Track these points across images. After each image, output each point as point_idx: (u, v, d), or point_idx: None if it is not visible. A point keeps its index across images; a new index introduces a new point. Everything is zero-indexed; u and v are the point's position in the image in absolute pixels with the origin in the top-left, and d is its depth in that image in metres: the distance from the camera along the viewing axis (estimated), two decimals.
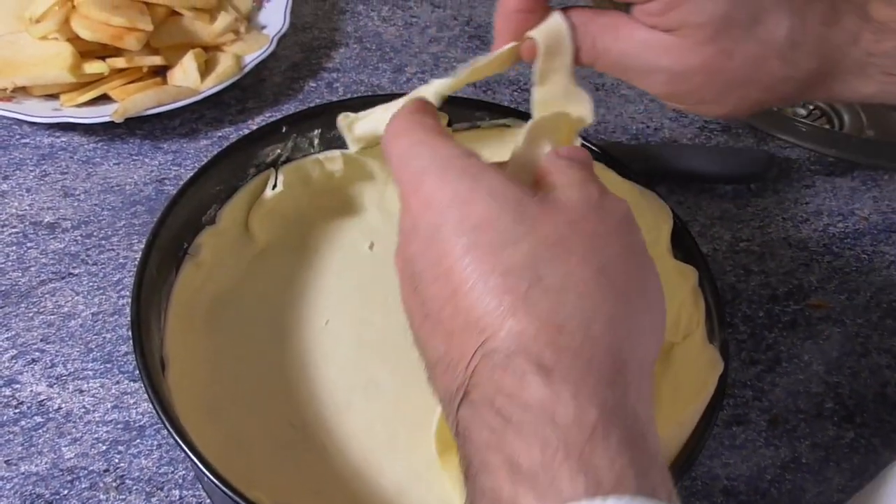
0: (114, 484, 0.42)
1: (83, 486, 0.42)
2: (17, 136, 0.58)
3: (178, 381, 0.40)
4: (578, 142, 0.37)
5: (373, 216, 0.51)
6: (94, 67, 0.56)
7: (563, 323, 0.26)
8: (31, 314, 0.49)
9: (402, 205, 0.30)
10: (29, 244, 0.52)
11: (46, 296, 0.50)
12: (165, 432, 0.36)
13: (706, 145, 0.61)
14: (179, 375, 0.40)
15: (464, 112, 0.49)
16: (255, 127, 0.52)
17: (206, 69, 0.60)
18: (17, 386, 0.46)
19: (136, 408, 0.45)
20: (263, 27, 0.64)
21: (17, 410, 0.45)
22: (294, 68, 0.65)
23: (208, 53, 0.61)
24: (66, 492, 0.42)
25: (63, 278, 0.51)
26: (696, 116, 0.64)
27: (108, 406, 0.45)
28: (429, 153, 0.30)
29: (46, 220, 0.54)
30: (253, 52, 0.61)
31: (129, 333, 0.38)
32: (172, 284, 0.43)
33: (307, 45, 0.67)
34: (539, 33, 0.36)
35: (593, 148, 0.47)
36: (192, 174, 0.45)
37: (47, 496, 0.42)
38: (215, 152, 0.45)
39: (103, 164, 0.57)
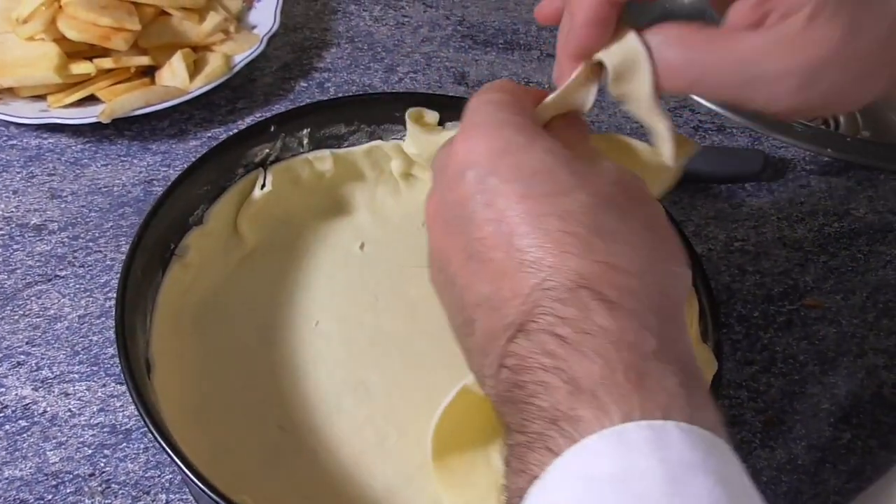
0: (99, 488, 0.42)
1: (68, 490, 0.41)
2: (4, 138, 0.58)
3: (165, 384, 0.39)
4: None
5: (363, 217, 0.50)
6: (81, 68, 0.56)
7: (623, 266, 0.27)
8: (16, 317, 0.48)
9: (448, 153, 0.31)
10: (15, 246, 0.52)
11: (32, 298, 0.49)
12: (152, 436, 0.35)
13: (701, 145, 0.61)
14: (166, 378, 0.40)
15: (456, 110, 0.49)
16: (245, 128, 0.51)
17: (195, 69, 0.59)
18: (2, 390, 0.45)
19: (123, 411, 0.44)
20: (254, 27, 0.63)
21: (1, 414, 0.44)
22: (285, 68, 0.64)
23: (197, 53, 0.60)
24: (50, 497, 0.41)
25: (49, 280, 0.50)
26: (689, 116, 0.63)
27: (94, 409, 0.44)
28: (494, 111, 0.31)
29: (33, 221, 0.53)
30: (243, 52, 0.60)
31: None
32: (159, 286, 0.43)
33: (298, 45, 0.66)
34: (608, 56, 0.32)
35: None
36: (178, 174, 0.44)
37: (31, 501, 0.41)
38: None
39: (91, 165, 0.56)
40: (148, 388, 0.37)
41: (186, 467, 0.34)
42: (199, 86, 0.58)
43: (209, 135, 0.59)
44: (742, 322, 0.51)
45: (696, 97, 0.59)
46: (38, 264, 0.51)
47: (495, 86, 0.33)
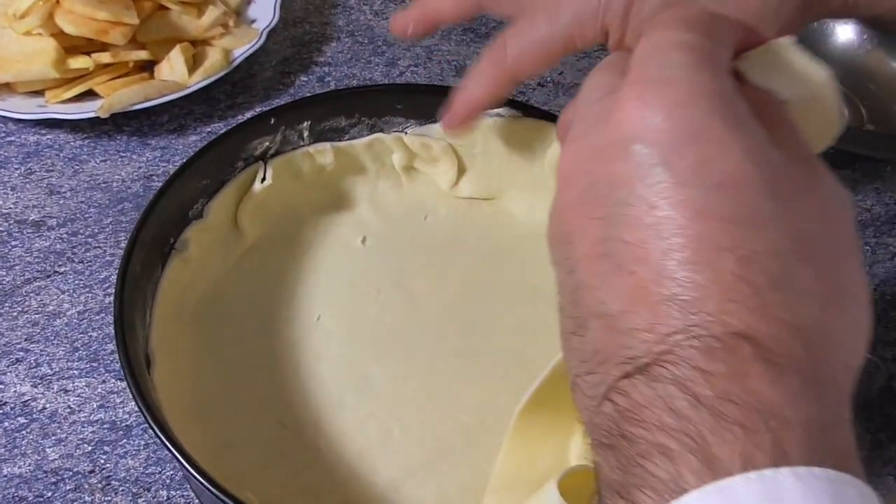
0: (99, 485, 0.41)
1: (68, 487, 0.41)
2: (2, 134, 0.57)
3: (165, 380, 0.39)
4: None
5: (365, 210, 0.50)
6: (78, 63, 0.55)
7: (802, 324, 0.21)
8: (15, 313, 0.48)
9: (615, 103, 0.24)
10: (13, 243, 0.51)
11: (31, 295, 0.49)
12: (152, 432, 0.35)
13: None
14: (166, 373, 0.39)
15: None
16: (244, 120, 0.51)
17: (193, 64, 0.58)
18: (1, 387, 0.45)
19: (123, 407, 0.44)
20: (253, 21, 0.63)
21: (0, 412, 0.44)
22: (285, 63, 0.64)
23: (196, 48, 0.60)
24: (49, 494, 0.41)
25: (48, 277, 0.49)
26: None
27: (94, 406, 0.44)
28: (689, 65, 0.23)
29: (32, 218, 0.53)
30: (242, 47, 0.60)
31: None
32: (158, 281, 0.42)
33: (298, 39, 0.66)
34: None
35: None
36: (177, 167, 0.43)
37: (31, 499, 0.41)
38: None
39: (90, 161, 0.56)
40: (148, 383, 0.37)
41: (188, 463, 0.34)
42: (198, 80, 0.57)
43: (209, 130, 0.58)
44: None
45: None
46: (36, 260, 0.50)
47: (691, 16, 0.24)
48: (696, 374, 0.21)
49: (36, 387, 0.45)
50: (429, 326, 0.45)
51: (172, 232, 0.43)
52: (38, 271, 0.50)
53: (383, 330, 0.45)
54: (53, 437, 0.43)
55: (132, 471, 0.42)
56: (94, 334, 0.47)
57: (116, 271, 0.39)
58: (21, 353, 0.46)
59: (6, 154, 0.56)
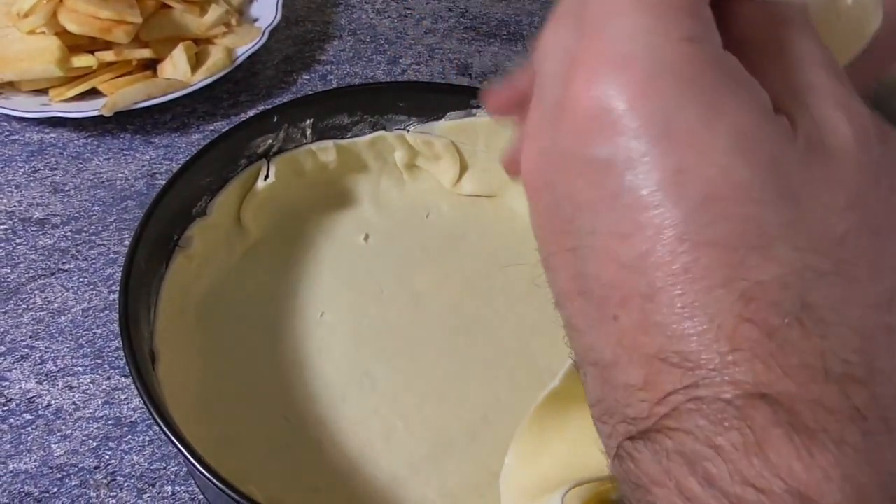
0: (104, 481, 0.41)
1: (73, 483, 0.41)
2: (6, 133, 0.57)
3: (170, 376, 0.39)
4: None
5: (367, 208, 0.50)
6: (82, 61, 0.55)
7: (835, 375, 0.16)
8: (20, 311, 0.48)
9: (571, 75, 0.19)
10: (18, 240, 0.51)
11: (36, 292, 0.49)
12: (157, 427, 0.35)
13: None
14: (170, 369, 0.40)
15: (460, 99, 0.48)
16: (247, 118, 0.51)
17: (196, 62, 0.59)
18: (6, 383, 0.45)
19: (128, 403, 0.44)
20: (255, 20, 0.63)
21: (5, 408, 0.44)
22: (287, 61, 0.64)
23: (199, 46, 0.60)
24: (55, 490, 0.41)
25: (53, 274, 0.50)
26: None
27: (99, 402, 0.44)
28: (645, 27, 0.18)
29: (36, 216, 0.53)
30: (244, 45, 0.60)
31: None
32: (163, 277, 0.42)
33: (300, 37, 0.66)
34: None
35: None
36: (180, 165, 0.44)
37: (36, 494, 0.41)
38: None
39: (94, 159, 0.56)
40: (153, 379, 0.37)
41: (193, 457, 0.34)
42: (201, 79, 0.57)
43: (212, 128, 0.58)
44: None
45: None
46: (41, 258, 0.50)
47: None
48: (705, 450, 0.17)
49: (41, 383, 0.45)
50: (431, 323, 0.45)
51: (176, 229, 0.44)
52: (42, 269, 0.50)
53: (386, 327, 0.45)
54: (59, 434, 0.43)
55: (137, 466, 0.42)
56: (99, 331, 0.47)
57: (120, 269, 0.39)
58: (26, 350, 0.46)
59: (10, 152, 0.56)
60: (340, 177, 0.50)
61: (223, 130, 0.57)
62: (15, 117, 0.57)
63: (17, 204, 0.53)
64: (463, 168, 0.50)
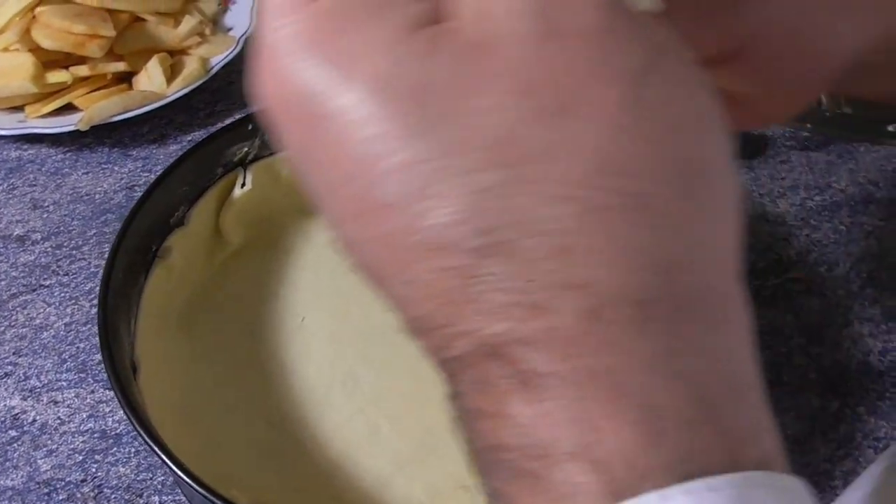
0: (92, 494, 0.42)
1: (61, 497, 0.41)
2: None
3: (152, 385, 0.39)
4: None
5: None
6: (57, 77, 0.56)
7: (528, 302, 0.16)
8: (2, 328, 0.48)
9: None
10: None
11: (18, 309, 0.49)
12: (140, 438, 0.35)
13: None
14: (153, 379, 0.40)
15: None
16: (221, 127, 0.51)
17: (172, 73, 0.59)
18: None
19: (113, 416, 0.44)
20: (230, 29, 0.63)
21: None
22: None
23: (174, 58, 0.60)
24: None
25: (34, 290, 0.50)
26: None
27: (84, 416, 0.44)
28: None
29: (16, 233, 0.53)
30: (219, 55, 0.60)
31: None
32: (143, 289, 0.43)
33: None
34: None
35: None
36: (157, 176, 0.44)
37: None
38: None
39: (72, 174, 0.56)
40: (134, 390, 0.37)
41: (176, 466, 0.34)
42: (177, 90, 0.58)
43: (189, 138, 0.59)
44: None
45: None
46: (22, 275, 0.51)
47: None
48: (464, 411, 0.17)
49: (26, 399, 0.45)
50: None
51: (155, 240, 0.44)
52: (23, 285, 0.50)
53: (368, 328, 0.45)
54: (45, 449, 0.43)
55: (124, 478, 0.42)
56: (82, 345, 0.47)
57: None
58: (10, 367, 0.46)
59: None
60: None
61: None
62: None
63: None
64: None
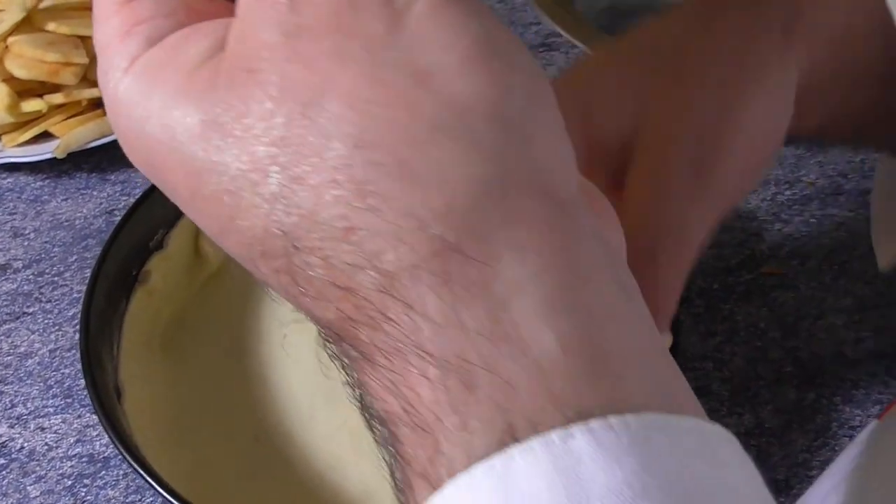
0: None
1: None
2: None
3: (137, 408, 0.40)
4: None
5: None
6: (32, 105, 0.56)
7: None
8: None
9: None
10: None
11: (2, 337, 0.49)
12: (126, 461, 0.35)
13: None
14: (138, 402, 0.40)
15: None
16: None
17: None
18: None
19: (100, 439, 0.45)
20: None
21: None
22: None
23: None
24: None
25: (17, 318, 0.50)
26: None
27: (72, 441, 0.45)
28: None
29: None
30: None
31: None
32: (124, 313, 0.43)
33: None
34: None
35: None
36: (135, 200, 0.44)
37: None
38: None
39: (51, 201, 0.57)
40: (118, 413, 0.38)
41: (163, 488, 0.35)
42: None
43: None
44: (703, 295, 0.52)
45: None
46: (4, 304, 0.51)
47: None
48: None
49: (13, 427, 0.45)
50: None
51: (134, 264, 0.44)
52: (7, 314, 0.50)
53: None
54: (33, 475, 0.44)
55: (113, 501, 0.43)
56: (67, 371, 0.48)
57: None
58: None
59: None
60: None
61: None
62: None
63: None
64: None
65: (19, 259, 0.53)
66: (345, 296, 0.17)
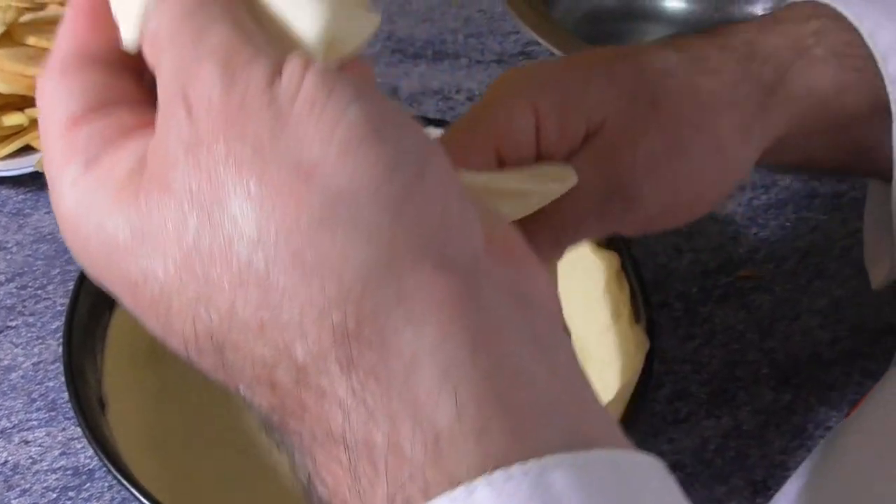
0: None
1: None
2: None
3: (121, 420, 0.40)
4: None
5: None
6: (13, 119, 0.56)
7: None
8: None
9: None
10: None
11: None
12: (110, 473, 0.36)
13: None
14: (122, 414, 0.41)
15: None
16: None
17: None
18: None
19: (84, 452, 0.45)
20: None
21: None
22: None
23: None
24: None
25: (1, 332, 0.50)
26: None
27: (56, 454, 0.45)
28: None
29: None
30: None
31: None
32: (108, 325, 0.43)
33: None
34: None
35: None
36: None
37: None
38: None
39: (33, 214, 0.57)
40: (103, 426, 0.38)
41: (147, 500, 0.35)
42: None
43: None
44: (681, 299, 0.53)
45: None
46: None
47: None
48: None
49: None
50: None
51: None
52: None
53: None
54: (18, 489, 0.44)
55: None
56: (51, 384, 0.48)
57: None
58: None
59: None
60: None
61: None
62: None
63: None
64: None
65: (2, 273, 0.53)
66: (271, 390, 0.19)
